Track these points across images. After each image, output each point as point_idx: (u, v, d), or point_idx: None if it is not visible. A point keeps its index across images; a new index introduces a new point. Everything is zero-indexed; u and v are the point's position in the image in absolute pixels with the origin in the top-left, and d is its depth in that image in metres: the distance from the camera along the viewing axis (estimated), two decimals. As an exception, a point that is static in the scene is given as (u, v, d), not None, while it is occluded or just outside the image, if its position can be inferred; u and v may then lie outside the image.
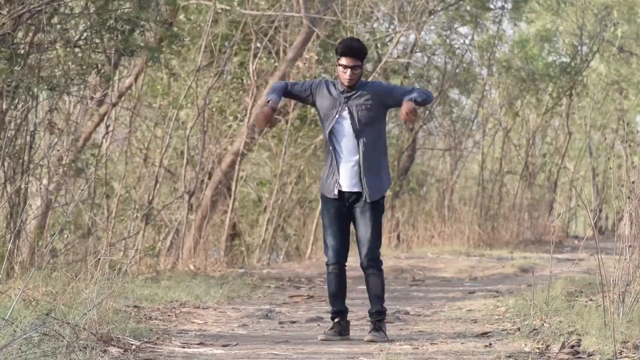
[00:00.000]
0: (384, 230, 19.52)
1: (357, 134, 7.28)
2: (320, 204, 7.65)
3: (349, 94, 7.30)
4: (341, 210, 7.39)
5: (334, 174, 7.34)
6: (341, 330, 7.51)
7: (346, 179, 7.34)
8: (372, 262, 7.41)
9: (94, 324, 6.57)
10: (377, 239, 7.41)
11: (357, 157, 7.30)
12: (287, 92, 7.41)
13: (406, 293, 12.18)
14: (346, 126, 7.30)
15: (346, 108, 7.29)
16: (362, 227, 7.37)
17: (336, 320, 7.54)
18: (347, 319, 7.62)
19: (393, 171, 20.88)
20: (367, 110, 7.30)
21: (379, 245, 7.47)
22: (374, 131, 7.32)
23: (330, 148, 7.33)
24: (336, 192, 7.33)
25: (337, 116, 7.30)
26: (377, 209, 7.37)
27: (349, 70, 7.25)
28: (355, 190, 7.34)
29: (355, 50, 7.28)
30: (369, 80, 7.56)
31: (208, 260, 14.81)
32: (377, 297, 7.46)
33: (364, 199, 7.33)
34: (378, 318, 7.45)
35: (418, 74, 21.74)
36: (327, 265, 7.54)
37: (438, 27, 21.65)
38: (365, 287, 7.59)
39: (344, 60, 7.26)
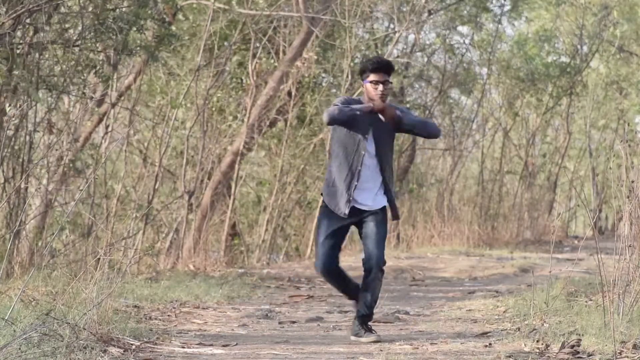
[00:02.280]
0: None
1: (379, 154, 7.35)
2: (320, 210, 7.61)
3: (375, 115, 7.35)
4: (345, 223, 7.43)
5: (349, 193, 7.35)
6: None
7: (363, 199, 7.37)
8: (379, 267, 7.41)
9: (93, 324, 6.57)
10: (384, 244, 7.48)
11: (379, 178, 7.37)
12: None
13: (406, 293, 12.18)
14: (370, 147, 7.35)
15: (371, 130, 7.34)
16: (374, 234, 7.36)
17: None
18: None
19: (393, 171, 20.88)
20: (388, 132, 7.38)
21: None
22: (390, 150, 7.45)
23: (358, 169, 7.34)
24: (347, 211, 7.36)
25: (366, 136, 7.33)
26: (385, 218, 7.45)
27: (380, 85, 7.31)
28: (372, 209, 7.39)
29: (384, 64, 7.36)
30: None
31: (208, 260, 14.81)
32: (374, 302, 7.45)
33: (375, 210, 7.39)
34: (369, 321, 7.45)
35: (418, 73, 21.74)
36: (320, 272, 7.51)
37: (437, 26, 21.65)
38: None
39: (374, 77, 7.32)
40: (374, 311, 7.50)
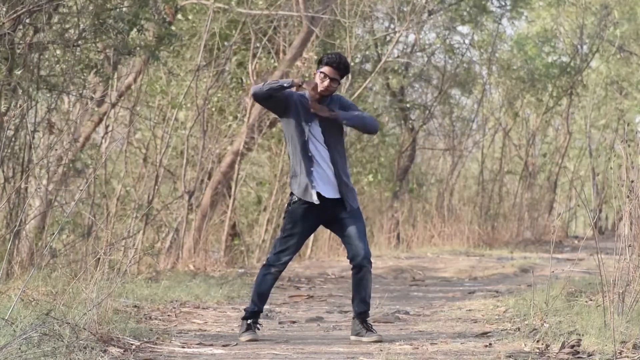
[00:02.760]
0: (383, 231, 19.56)
1: (329, 144, 7.42)
2: (288, 206, 7.62)
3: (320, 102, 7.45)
4: (314, 216, 7.44)
5: (311, 180, 7.43)
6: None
7: (324, 186, 7.44)
8: (369, 261, 7.43)
9: (93, 324, 6.57)
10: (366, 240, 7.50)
11: (330, 166, 7.44)
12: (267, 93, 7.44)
13: (406, 293, 12.18)
14: (317, 135, 7.44)
15: (316, 118, 7.40)
16: (355, 230, 7.39)
17: (250, 321, 7.50)
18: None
19: (393, 171, 20.89)
20: (334, 121, 7.43)
21: None
22: (339, 141, 7.50)
23: (309, 155, 7.42)
24: (315, 198, 7.39)
25: (311, 124, 7.42)
26: (361, 215, 7.51)
27: (327, 81, 7.39)
28: (334, 197, 7.43)
29: (341, 64, 7.44)
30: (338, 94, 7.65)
31: (208, 260, 14.81)
32: (369, 296, 7.48)
33: (347, 206, 7.39)
34: (367, 317, 7.48)
35: (418, 73, 21.75)
36: (270, 265, 7.49)
37: (438, 27, 21.65)
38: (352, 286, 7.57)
39: (326, 69, 7.40)
40: (373, 310, 7.52)
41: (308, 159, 7.47)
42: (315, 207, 7.42)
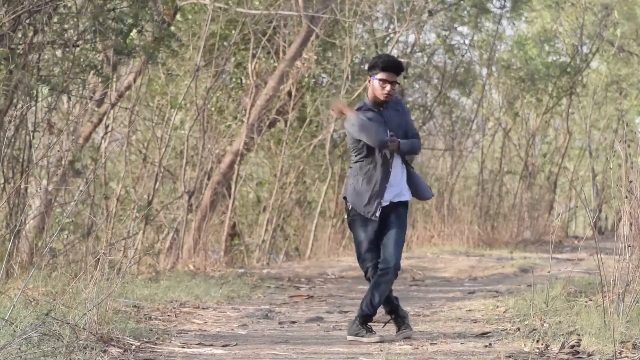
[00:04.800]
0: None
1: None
2: (350, 217, 7.52)
3: (382, 107, 7.45)
4: (376, 223, 7.53)
5: (377, 194, 7.42)
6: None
7: (389, 194, 7.48)
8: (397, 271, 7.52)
9: (93, 324, 6.57)
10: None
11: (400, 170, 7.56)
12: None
13: (406, 293, 12.18)
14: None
15: (385, 120, 7.44)
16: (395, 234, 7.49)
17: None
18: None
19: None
20: (399, 118, 7.47)
21: None
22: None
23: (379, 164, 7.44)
24: (378, 214, 7.44)
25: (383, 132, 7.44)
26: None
27: (388, 86, 7.35)
28: (396, 200, 7.53)
29: (396, 66, 7.41)
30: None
31: (208, 260, 14.81)
32: (380, 303, 7.53)
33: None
34: (370, 320, 7.52)
35: (418, 73, 21.74)
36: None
37: (438, 27, 21.64)
38: (364, 287, 7.60)
39: (384, 75, 7.35)
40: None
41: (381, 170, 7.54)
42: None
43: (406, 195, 7.52)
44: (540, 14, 24.20)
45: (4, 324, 5.94)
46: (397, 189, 7.47)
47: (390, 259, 7.32)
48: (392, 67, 7.36)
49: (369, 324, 7.47)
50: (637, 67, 24.78)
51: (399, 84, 7.47)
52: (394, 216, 7.43)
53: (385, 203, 7.40)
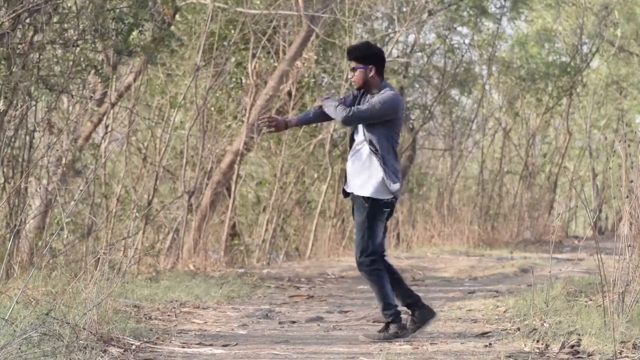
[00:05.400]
0: (383, 230, 19.54)
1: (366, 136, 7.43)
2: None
3: (365, 92, 7.51)
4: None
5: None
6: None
7: (350, 182, 7.52)
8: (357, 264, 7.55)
9: (93, 324, 6.57)
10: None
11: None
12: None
13: (406, 293, 12.15)
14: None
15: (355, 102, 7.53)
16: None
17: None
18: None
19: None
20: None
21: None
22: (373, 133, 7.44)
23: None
24: (342, 195, 7.57)
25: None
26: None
27: (350, 73, 7.49)
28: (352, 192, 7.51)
29: (351, 52, 7.53)
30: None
31: (208, 260, 14.80)
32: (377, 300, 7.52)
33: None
34: (385, 320, 7.48)
35: (418, 73, 21.74)
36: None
37: (438, 27, 21.64)
38: (364, 287, 7.60)
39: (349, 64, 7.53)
40: (373, 310, 7.53)
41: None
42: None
43: (362, 190, 7.37)
44: (541, 13, 24.20)
45: (4, 324, 5.94)
46: (356, 180, 7.40)
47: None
48: (349, 54, 7.54)
49: (380, 322, 7.46)
50: (637, 67, 24.78)
51: (361, 67, 7.39)
52: (354, 211, 7.44)
53: (347, 189, 7.47)
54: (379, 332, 7.41)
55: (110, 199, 14.19)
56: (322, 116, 7.57)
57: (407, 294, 7.52)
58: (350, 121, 7.35)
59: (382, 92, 7.39)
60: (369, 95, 7.43)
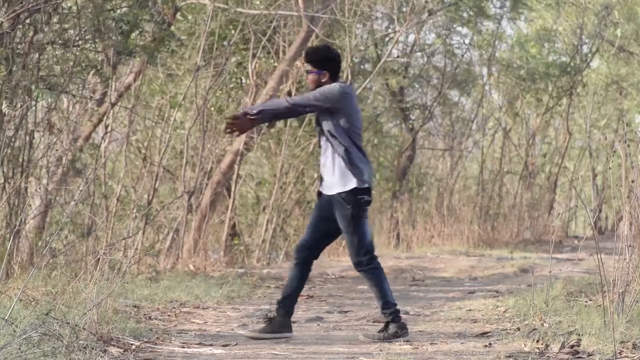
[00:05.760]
0: (383, 230, 19.55)
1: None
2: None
3: None
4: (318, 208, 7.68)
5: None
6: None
7: (325, 184, 7.59)
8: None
9: (93, 324, 6.57)
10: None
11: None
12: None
13: (406, 293, 12.17)
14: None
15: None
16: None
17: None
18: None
19: (392, 171, 20.89)
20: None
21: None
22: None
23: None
24: (317, 197, 7.68)
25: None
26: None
27: (305, 74, 7.67)
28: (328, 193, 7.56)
29: (307, 55, 7.65)
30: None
31: (208, 260, 14.80)
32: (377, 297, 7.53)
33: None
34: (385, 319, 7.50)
35: (417, 74, 21.74)
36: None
37: (438, 27, 21.64)
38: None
39: None
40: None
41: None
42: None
43: (334, 189, 7.43)
44: (540, 13, 24.20)
45: (4, 324, 5.94)
46: (328, 180, 7.46)
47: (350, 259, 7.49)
48: (305, 56, 7.67)
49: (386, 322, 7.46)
50: (637, 67, 24.78)
51: (312, 71, 7.47)
52: (336, 215, 7.44)
53: (323, 190, 7.52)
54: (379, 332, 7.41)
55: (110, 199, 14.18)
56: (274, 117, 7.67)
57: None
58: (294, 105, 7.43)
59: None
60: None
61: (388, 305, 7.36)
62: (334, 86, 7.42)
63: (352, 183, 7.33)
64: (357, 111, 7.50)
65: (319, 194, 7.56)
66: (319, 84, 7.47)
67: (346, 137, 7.37)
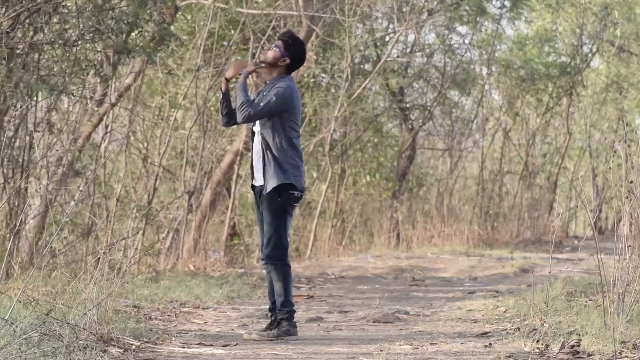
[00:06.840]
0: (383, 231, 19.55)
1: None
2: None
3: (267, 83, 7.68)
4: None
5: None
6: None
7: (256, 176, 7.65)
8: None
9: (93, 324, 6.57)
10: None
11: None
12: None
13: (406, 293, 12.18)
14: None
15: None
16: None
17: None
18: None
19: (392, 172, 20.89)
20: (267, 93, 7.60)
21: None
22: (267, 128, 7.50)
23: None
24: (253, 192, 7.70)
25: None
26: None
27: (269, 46, 7.77)
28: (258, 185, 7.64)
29: (284, 34, 7.66)
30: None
31: (208, 260, 14.80)
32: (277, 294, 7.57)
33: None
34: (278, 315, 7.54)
35: (417, 73, 21.74)
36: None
37: (437, 26, 21.63)
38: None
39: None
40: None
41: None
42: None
43: (268, 182, 7.44)
44: (540, 14, 24.21)
45: (4, 324, 5.94)
46: (260, 174, 7.49)
47: (263, 252, 7.58)
48: (282, 34, 7.68)
49: (278, 320, 7.49)
50: (637, 67, 24.79)
51: (281, 53, 7.47)
52: (264, 207, 7.49)
53: (255, 183, 7.56)
54: (268, 329, 7.43)
55: (110, 199, 14.18)
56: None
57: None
58: (248, 120, 7.44)
59: (277, 84, 7.46)
60: (267, 87, 7.50)
61: (287, 304, 7.47)
62: (287, 88, 7.43)
63: (284, 178, 7.36)
64: (298, 105, 7.58)
65: (253, 187, 7.58)
66: (275, 63, 7.47)
67: (282, 132, 7.41)
